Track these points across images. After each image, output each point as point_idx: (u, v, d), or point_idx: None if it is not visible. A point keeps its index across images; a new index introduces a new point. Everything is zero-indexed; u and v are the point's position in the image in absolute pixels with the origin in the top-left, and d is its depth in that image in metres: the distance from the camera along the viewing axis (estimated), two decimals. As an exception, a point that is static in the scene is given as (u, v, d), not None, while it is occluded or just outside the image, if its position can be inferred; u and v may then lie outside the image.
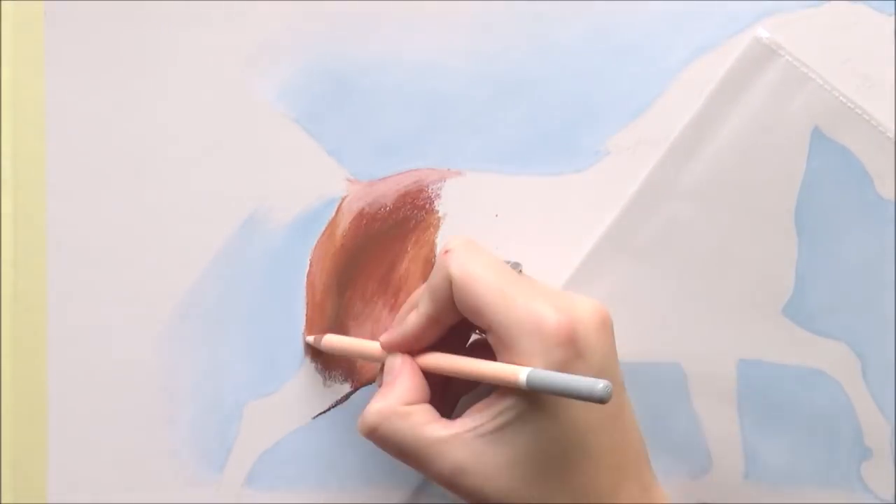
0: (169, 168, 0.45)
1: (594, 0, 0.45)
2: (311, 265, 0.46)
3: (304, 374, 0.46)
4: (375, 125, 0.45)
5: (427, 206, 0.46)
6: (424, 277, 0.45)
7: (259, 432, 0.46)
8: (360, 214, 0.45)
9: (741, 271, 0.45)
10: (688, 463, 0.46)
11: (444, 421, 0.38)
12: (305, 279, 0.46)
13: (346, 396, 0.46)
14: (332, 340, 0.44)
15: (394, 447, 0.38)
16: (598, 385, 0.33)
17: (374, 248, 0.46)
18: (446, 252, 0.39)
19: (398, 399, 0.39)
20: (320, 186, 0.45)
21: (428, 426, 0.38)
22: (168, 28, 0.45)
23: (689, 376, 0.45)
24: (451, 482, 0.37)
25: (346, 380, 0.46)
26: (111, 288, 0.45)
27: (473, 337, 0.42)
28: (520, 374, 0.35)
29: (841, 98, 0.44)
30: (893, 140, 0.44)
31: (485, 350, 0.39)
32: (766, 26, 0.45)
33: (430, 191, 0.46)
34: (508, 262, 0.41)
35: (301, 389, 0.46)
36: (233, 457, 0.46)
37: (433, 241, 0.46)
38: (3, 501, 0.45)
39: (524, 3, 0.45)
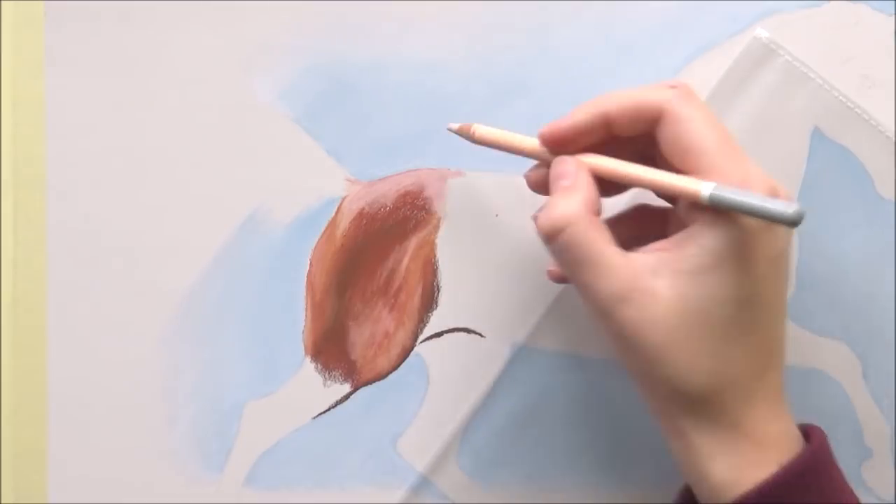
0: (169, 168, 0.45)
1: (594, 0, 0.45)
2: (311, 265, 0.46)
3: (304, 374, 0.46)
4: (375, 125, 0.45)
5: (427, 206, 0.46)
6: (424, 277, 0.45)
7: (259, 432, 0.46)
8: (360, 214, 0.45)
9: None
10: (688, 463, 0.46)
11: (620, 247, 0.37)
12: (305, 279, 0.46)
13: (346, 396, 0.46)
14: (483, 131, 0.41)
15: (573, 255, 0.37)
16: (792, 207, 0.33)
17: (374, 248, 0.46)
18: (671, 87, 0.38)
19: (586, 204, 0.37)
20: (320, 186, 0.45)
21: (608, 244, 0.36)
22: (168, 28, 0.45)
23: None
24: (611, 308, 0.36)
25: (346, 380, 0.46)
26: (111, 288, 0.45)
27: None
28: (702, 189, 0.34)
29: (841, 98, 0.44)
30: (894, 140, 0.44)
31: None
32: (766, 26, 0.45)
33: (430, 191, 0.46)
34: None
35: (301, 389, 0.46)
36: (233, 457, 0.46)
37: (433, 241, 0.46)
38: (3, 501, 0.45)
39: (524, 3, 0.45)
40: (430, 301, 0.46)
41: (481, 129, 0.41)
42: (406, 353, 0.46)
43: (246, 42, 0.45)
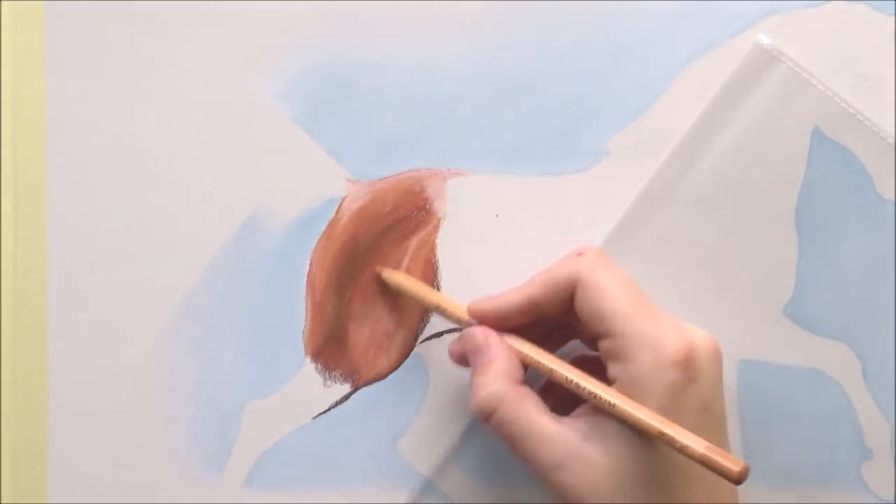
0: (169, 168, 0.45)
1: (594, 0, 0.45)
2: (311, 265, 0.46)
3: (304, 374, 0.46)
4: (375, 125, 0.45)
5: (427, 206, 0.46)
6: (425, 277, 0.45)
7: (259, 432, 0.46)
8: (361, 214, 0.45)
9: (742, 272, 0.45)
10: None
11: (551, 413, 0.38)
12: (305, 279, 0.46)
13: (346, 396, 0.46)
14: (400, 280, 0.44)
15: (507, 432, 0.38)
16: (738, 466, 0.34)
17: (375, 249, 0.46)
18: (579, 254, 0.40)
19: (507, 377, 0.39)
20: (320, 186, 0.45)
21: (540, 415, 0.38)
22: (168, 28, 0.45)
23: (689, 376, 0.45)
24: (550, 476, 0.37)
25: (346, 380, 0.46)
26: (111, 288, 0.45)
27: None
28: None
29: (842, 104, 0.44)
30: (894, 145, 0.44)
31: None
32: (767, 26, 0.45)
33: (430, 191, 0.46)
34: None
35: (301, 389, 0.46)
36: (233, 457, 0.46)
37: (433, 242, 0.46)
38: (3, 501, 0.45)
39: (524, 3, 0.45)
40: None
41: (395, 277, 0.44)
42: (406, 353, 0.46)
43: (246, 42, 0.45)
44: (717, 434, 0.39)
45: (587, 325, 0.39)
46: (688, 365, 0.37)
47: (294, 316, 0.46)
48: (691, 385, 0.37)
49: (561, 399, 0.40)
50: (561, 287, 0.39)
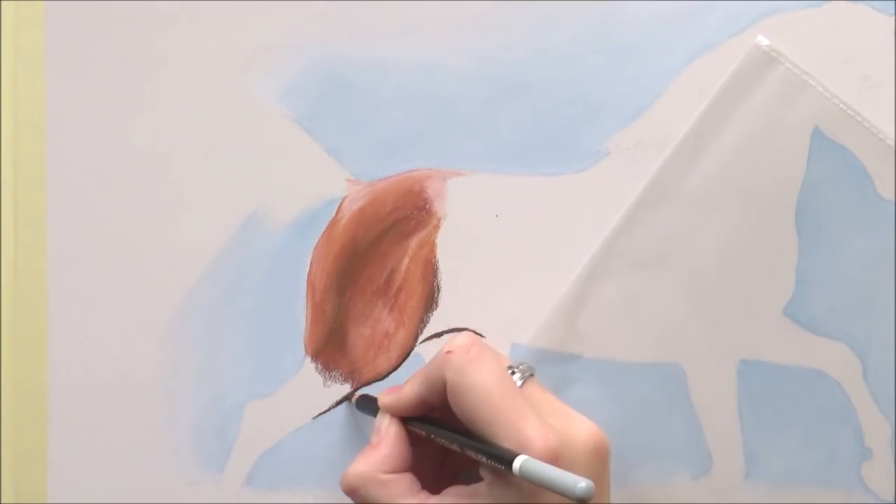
0: (169, 168, 0.45)
1: (594, 0, 0.45)
2: (311, 265, 0.46)
3: (304, 374, 0.46)
4: (375, 125, 0.45)
5: (427, 206, 0.46)
6: (424, 278, 0.45)
7: (259, 432, 0.46)
8: (361, 215, 0.45)
9: (742, 272, 0.45)
10: (688, 463, 0.46)
11: (423, 494, 0.39)
12: (305, 279, 0.46)
13: (346, 396, 0.46)
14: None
15: None
16: (580, 483, 0.33)
17: (375, 249, 0.46)
18: (448, 353, 0.39)
19: (380, 465, 0.40)
20: (320, 186, 0.45)
21: (404, 498, 0.39)
22: (168, 28, 0.45)
23: (689, 376, 0.45)
24: None
25: (346, 380, 0.46)
26: (111, 288, 0.45)
27: None
28: (514, 461, 0.35)
29: (841, 105, 0.44)
30: (894, 146, 0.44)
31: None
32: (766, 27, 0.45)
33: (430, 191, 0.46)
34: (519, 366, 0.41)
35: (301, 389, 0.46)
36: (233, 457, 0.46)
37: (433, 242, 0.46)
38: (3, 501, 0.45)
39: (524, 4, 0.45)
40: (430, 301, 0.46)
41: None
42: (406, 353, 0.46)
43: (246, 42, 0.45)
44: None
45: (465, 425, 0.39)
46: (557, 462, 0.36)
47: (294, 316, 0.46)
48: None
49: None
50: (436, 386, 0.40)
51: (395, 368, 0.46)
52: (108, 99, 0.45)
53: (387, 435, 0.41)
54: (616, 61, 0.45)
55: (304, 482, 0.46)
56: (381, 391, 0.43)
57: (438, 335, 0.46)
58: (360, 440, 0.46)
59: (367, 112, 0.45)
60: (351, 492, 0.40)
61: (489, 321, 0.46)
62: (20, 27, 0.45)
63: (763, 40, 0.44)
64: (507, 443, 0.36)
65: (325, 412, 0.46)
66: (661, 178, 0.45)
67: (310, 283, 0.46)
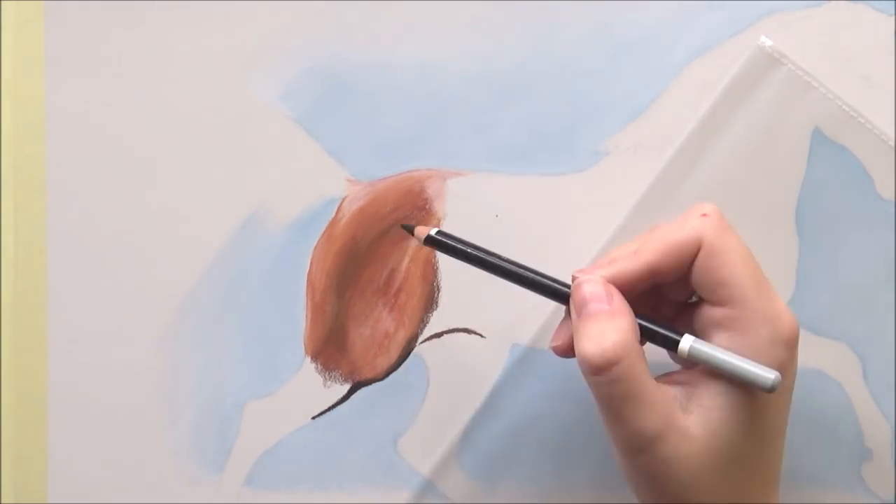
0: (169, 168, 0.45)
1: (594, 0, 0.45)
2: (311, 265, 0.46)
3: (304, 374, 0.46)
4: (375, 125, 0.45)
5: (427, 206, 0.46)
6: (425, 278, 0.45)
7: (259, 432, 0.46)
8: (361, 215, 0.45)
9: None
10: (688, 463, 0.46)
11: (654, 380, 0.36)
12: (305, 279, 0.46)
13: (346, 396, 0.46)
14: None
15: (619, 390, 0.35)
16: (772, 374, 0.34)
17: (375, 249, 0.46)
18: (703, 215, 0.37)
19: (634, 332, 0.36)
20: (320, 186, 0.45)
21: (650, 375, 0.36)
22: (168, 28, 0.45)
23: (689, 376, 0.45)
24: (644, 445, 0.36)
25: (346, 380, 0.46)
26: (111, 288, 0.45)
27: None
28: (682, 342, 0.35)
29: (843, 107, 0.44)
30: (894, 147, 0.44)
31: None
32: (767, 27, 0.45)
33: (430, 191, 0.46)
34: None
35: (301, 389, 0.46)
36: (233, 457, 0.46)
37: (433, 242, 0.46)
38: (3, 501, 0.45)
39: (524, 3, 0.45)
40: (430, 301, 0.46)
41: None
42: (406, 353, 0.46)
43: (246, 42, 0.45)
44: (785, 404, 0.38)
45: (702, 290, 0.37)
46: (794, 345, 0.36)
47: (294, 316, 0.46)
48: (791, 365, 0.36)
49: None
50: (683, 251, 0.36)
51: (395, 368, 0.46)
52: (108, 99, 0.45)
53: (615, 297, 0.36)
54: (616, 61, 0.45)
55: (304, 482, 0.46)
56: (576, 271, 0.38)
57: (438, 335, 0.46)
58: (360, 440, 0.46)
59: (367, 112, 0.45)
60: (609, 364, 0.35)
61: (489, 321, 0.46)
62: (20, 27, 0.45)
63: (766, 41, 0.44)
64: (763, 312, 0.35)
65: (325, 412, 0.46)
66: (663, 178, 0.45)
67: (310, 283, 0.46)
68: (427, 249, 0.45)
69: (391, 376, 0.46)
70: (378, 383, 0.46)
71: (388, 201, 0.46)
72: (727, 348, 0.36)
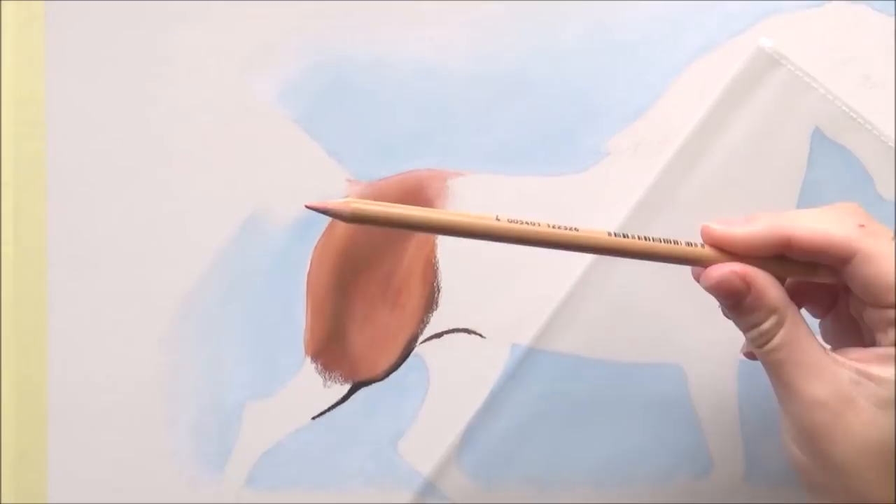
0: (169, 168, 0.45)
1: (594, 0, 0.45)
2: (311, 265, 0.46)
3: (304, 374, 0.46)
4: (375, 125, 0.45)
5: (427, 206, 0.45)
6: (425, 278, 0.45)
7: (259, 433, 0.46)
8: (361, 215, 0.45)
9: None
10: (689, 464, 0.46)
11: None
12: (306, 279, 0.46)
13: (346, 396, 0.46)
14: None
15: (785, 368, 0.36)
16: None
17: (375, 249, 0.46)
18: (861, 225, 0.37)
19: (793, 308, 0.36)
20: (320, 187, 0.45)
21: (814, 341, 0.36)
22: (168, 28, 0.45)
23: (689, 377, 0.45)
24: (806, 410, 0.36)
25: (346, 380, 0.46)
26: (111, 288, 0.45)
27: None
28: None
29: (843, 107, 0.44)
30: (894, 148, 0.44)
31: None
32: (767, 27, 0.45)
33: (430, 191, 0.46)
34: None
35: (301, 390, 0.46)
36: (233, 457, 0.46)
37: (433, 242, 0.46)
38: (3, 501, 0.45)
39: (524, 3, 0.45)
40: (430, 301, 0.46)
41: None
42: (406, 353, 0.46)
43: (246, 42, 0.45)
44: None
45: (863, 292, 0.37)
46: None
47: (294, 316, 0.46)
48: None
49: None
50: (833, 247, 0.37)
51: (395, 369, 0.46)
52: (108, 99, 0.45)
53: (762, 279, 0.37)
54: (616, 61, 0.45)
55: (304, 482, 0.46)
56: (705, 226, 0.38)
57: (438, 335, 0.46)
58: (360, 440, 0.46)
59: (367, 112, 0.45)
60: (774, 350, 0.36)
61: (489, 321, 0.46)
62: (20, 27, 0.45)
63: (766, 42, 0.44)
64: None
65: (325, 413, 0.46)
66: (663, 179, 0.45)
67: (310, 283, 0.46)
68: (427, 249, 0.45)
69: (391, 376, 0.46)
70: (378, 383, 0.46)
71: (389, 201, 0.45)
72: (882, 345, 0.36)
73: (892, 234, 0.37)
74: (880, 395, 0.36)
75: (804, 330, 0.37)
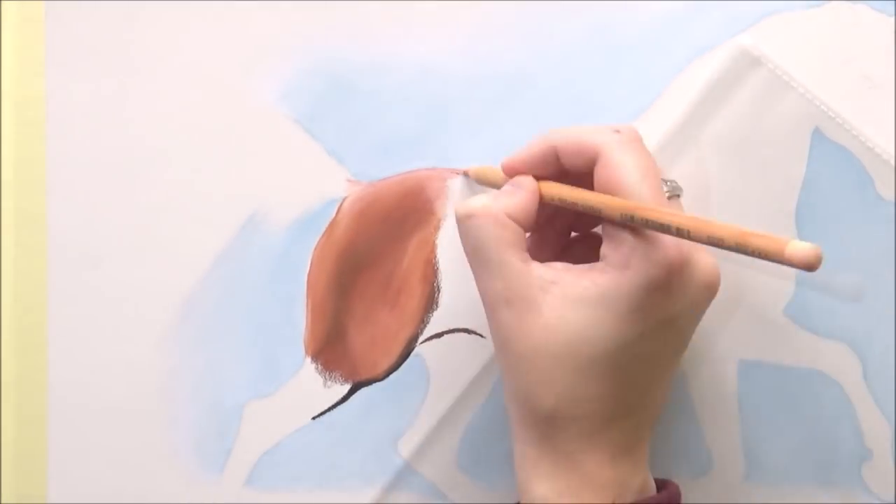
0: (169, 168, 0.45)
1: (594, 0, 0.45)
2: (311, 265, 0.46)
3: (304, 374, 0.46)
4: (375, 125, 0.45)
5: (427, 206, 0.46)
6: (425, 278, 0.45)
7: (259, 432, 0.46)
8: (361, 215, 0.45)
9: (743, 272, 0.45)
10: (688, 464, 0.46)
11: (527, 256, 0.38)
12: (306, 280, 0.46)
13: (347, 396, 0.46)
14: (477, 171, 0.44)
15: (471, 244, 0.38)
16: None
17: (375, 249, 0.46)
18: (616, 132, 0.38)
19: (506, 207, 0.38)
20: (320, 187, 0.45)
21: (513, 247, 0.38)
22: (168, 28, 0.45)
23: (689, 376, 0.45)
24: (493, 306, 0.38)
25: (346, 380, 0.46)
26: (111, 288, 0.45)
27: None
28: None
29: (822, 107, 0.44)
30: (894, 147, 0.44)
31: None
32: (766, 27, 0.45)
33: (430, 191, 0.46)
34: (669, 181, 0.41)
35: (301, 390, 0.46)
36: (233, 457, 0.46)
37: (433, 242, 0.46)
38: (3, 501, 0.45)
39: (524, 3, 0.45)
40: (430, 302, 0.46)
41: (473, 170, 0.44)
42: (406, 353, 0.46)
43: (246, 42, 0.45)
44: (674, 347, 0.39)
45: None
46: (678, 275, 0.36)
47: (294, 316, 0.46)
48: (663, 293, 0.36)
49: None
50: (584, 149, 0.38)
51: (395, 369, 0.46)
52: (108, 99, 0.45)
53: (522, 186, 0.39)
54: (616, 61, 0.45)
55: (304, 482, 0.46)
56: (502, 160, 0.41)
57: (438, 335, 0.46)
58: (360, 440, 0.46)
59: (367, 112, 0.45)
60: (465, 217, 0.38)
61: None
62: (20, 27, 0.45)
63: (747, 40, 0.44)
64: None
65: (325, 412, 0.46)
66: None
67: (310, 284, 0.46)
68: (427, 249, 0.46)
69: (391, 376, 0.46)
70: (378, 383, 0.46)
71: (389, 201, 0.45)
72: (603, 255, 0.37)
73: (638, 138, 0.38)
74: (569, 296, 0.37)
75: (499, 230, 0.38)
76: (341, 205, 0.45)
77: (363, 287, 0.46)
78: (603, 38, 0.45)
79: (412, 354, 0.46)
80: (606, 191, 0.37)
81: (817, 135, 0.44)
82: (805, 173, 0.45)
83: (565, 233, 0.43)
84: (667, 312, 0.37)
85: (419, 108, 0.45)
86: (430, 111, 0.45)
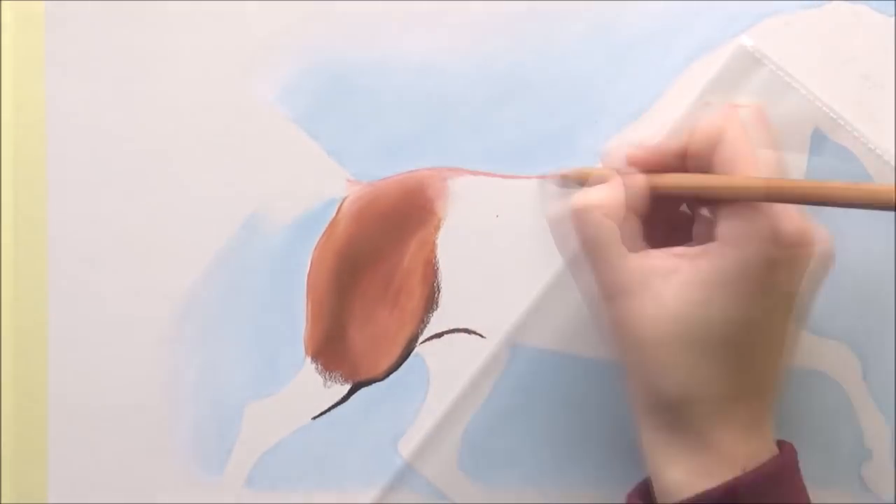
0: (169, 168, 0.45)
1: (595, 0, 0.45)
2: (311, 266, 0.46)
3: (304, 374, 0.46)
4: (375, 125, 0.45)
5: (427, 206, 0.46)
6: (425, 278, 0.45)
7: (259, 432, 0.46)
8: (361, 215, 0.45)
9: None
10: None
11: (644, 244, 0.38)
12: (306, 280, 0.46)
13: (347, 396, 0.46)
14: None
15: (588, 237, 0.38)
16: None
17: (375, 249, 0.46)
18: (736, 106, 0.38)
19: (620, 199, 0.38)
20: (320, 187, 0.45)
21: (631, 240, 0.38)
22: (168, 28, 0.45)
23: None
24: (611, 296, 0.38)
25: (346, 380, 0.46)
26: (111, 288, 0.45)
27: None
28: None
29: (822, 108, 0.44)
30: (894, 147, 0.44)
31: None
32: (766, 27, 0.45)
33: (430, 191, 0.46)
34: None
35: (301, 390, 0.46)
36: (233, 457, 0.46)
37: (433, 242, 0.46)
38: (3, 501, 0.45)
39: (524, 3, 0.45)
40: (430, 302, 0.46)
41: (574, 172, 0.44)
42: (406, 353, 0.46)
43: (246, 42, 0.45)
44: (782, 314, 0.38)
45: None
46: (793, 247, 0.37)
47: (294, 316, 0.46)
48: (786, 269, 0.37)
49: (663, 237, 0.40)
50: (706, 141, 0.38)
51: (395, 369, 0.46)
52: (108, 99, 0.45)
53: (633, 177, 0.39)
54: (616, 61, 0.45)
55: (305, 482, 0.46)
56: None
57: (438, 335, 0.46)
58: (360, 440, 0.46)
59: (367, 112, 0.45)
60: (582, 210, 0.38)
61: (489, 321, 0.46)
62: (20, 27, 0.45)
63: (747, 41, 0.44)
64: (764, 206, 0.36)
65: (325, 412, 0.46)
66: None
67: (310, 284, 0.46)
68: (427, 249, 0.46)
69: (391, 376, 0.46)
70: (378, 383, 0.46)
71: (389, 202, 0.46)
72: (720, 234, 0.37)
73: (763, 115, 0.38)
74: (690, 281, 0.37)
75: (625, 229, 0.38)
76: (341, 205, 0.45)
77: (363, 287, 0.46)
78: (603, 38, 0.45)
79: (412, 354, 0.46)
80: (732, 169, 0.37)
81: (817, 135, 0.44)
82: (805, 173, 0.45)
83: (663, 218, 0.42)
84: (789, 287, 0.37)
85: (419, 108, 0.45)
86: (430, 111, 0.45)
